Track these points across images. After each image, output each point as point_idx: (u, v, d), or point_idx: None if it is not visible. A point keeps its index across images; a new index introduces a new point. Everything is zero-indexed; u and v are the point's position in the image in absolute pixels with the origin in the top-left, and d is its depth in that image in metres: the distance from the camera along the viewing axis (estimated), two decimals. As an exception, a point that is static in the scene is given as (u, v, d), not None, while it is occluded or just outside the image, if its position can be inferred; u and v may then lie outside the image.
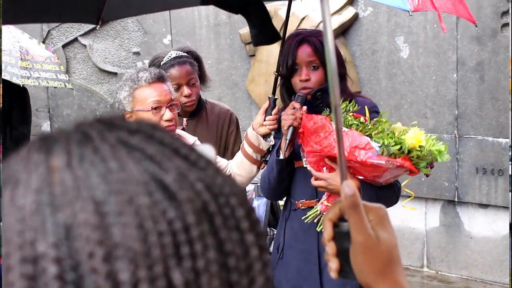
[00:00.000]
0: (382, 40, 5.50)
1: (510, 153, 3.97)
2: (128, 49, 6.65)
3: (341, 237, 0.88)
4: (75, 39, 6.75)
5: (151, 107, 2.56)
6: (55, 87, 5.55)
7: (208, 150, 0.82)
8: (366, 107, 2.52)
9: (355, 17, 5.59)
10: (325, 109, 2.56)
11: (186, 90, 3.15)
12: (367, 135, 2.34)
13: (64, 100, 6.84)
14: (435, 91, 5.30)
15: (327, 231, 0.90)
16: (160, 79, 2.62)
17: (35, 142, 0.54)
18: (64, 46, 6.78)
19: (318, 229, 2.57)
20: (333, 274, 0.90)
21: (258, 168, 2.87)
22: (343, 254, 0.88)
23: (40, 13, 2.15)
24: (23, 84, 4.56)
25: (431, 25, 5.15)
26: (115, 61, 6.70)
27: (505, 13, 4.90)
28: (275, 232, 3.00)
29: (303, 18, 5.52)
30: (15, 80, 4.48)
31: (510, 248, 2.59)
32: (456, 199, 5.34)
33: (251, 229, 0.54)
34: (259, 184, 3.07)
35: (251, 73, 5.95)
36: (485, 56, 5.03)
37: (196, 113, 3.28)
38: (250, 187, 3.67)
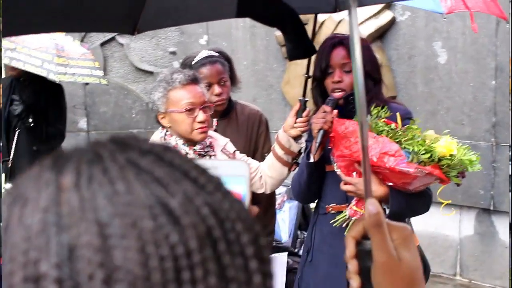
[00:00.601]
0: (420, 45, 5.44)
1: (510, 153, 3.90)
2: (164, 48, 6.70)
3: (364, 256, 0.87)
4: (113, 38, 6.83)
5: (185, 109, 2.58)
6: (86, 84, 5.59)
7: (239, 166, 0.82)
8: (398, 113, 2.50)
9: (393, 21, 5.54)
10: (350, 114, 2.55)
11: (216, 89, 3.16)
12: (397, 142, 2.31)
13: (101, 97, 6.92)
14: (473, 98, 5.22)
15: (350, 248, 0.89)
16: (194, 80, 2.64)
17: (48, 160, 0.54)
18: (102, 45, 6.86)
19: (346, 233, 2.55)
20: None
21: (289, 170, 2.86)
22: (365, 273, 0.86)
23: (72, 23, 2.16)
24: (59, 81, 4.63)
25: (469, 30, 5.07)
26: (152, 60, 6.76)
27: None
28: (305, 235, 3.00)
29: (339, 22, 5.49)
30: (51, 77, 4.53)
31: (510, 248, 2.55)
32: (491, 208, 5.26)
33: (255, 255, 0.53)
34: (290, 186, 3.06)
35: (287, 75, 5.95)
36: (525, 63, 4.94)
37: (226, 114, 3.29)
38: (281, 190, 3.67)
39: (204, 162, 0.83)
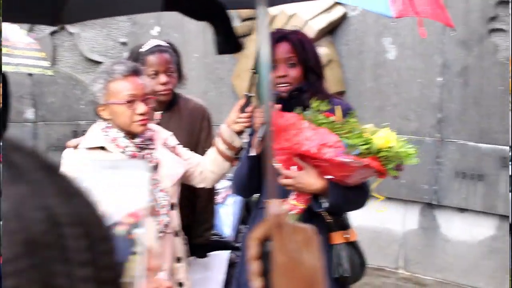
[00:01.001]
0: (370, 41, 5.51)
1: (510, 154, 3.98)
2: (115, 38, 6.62)
3: (266, 257, 0.86)
4: (63, 27, 6.70)
5: (125, 100, 2.54)
6: (30, 74, 5.47)
7: (140, 166, 0.81)
8: (337, 107, 2.52)
9: (344, 17, 5.60)
10: (296, 107, 2.56)
11: (163, 78, 3.13)
12: (336, 134, 2.34)
13: (49, 87, 6.79)
14: (420, 94, 5.31)
15: (252, 250, 0.88)
16: (136, 72, 2.60)
17: None
18: (51, 34, 6.73)
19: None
20: None
21: (231, 165, 2.86)
22: (267, 275, 0.86)
23: None
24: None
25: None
26: (102, 50, 6.68)
27: (492, 18, 4.91)
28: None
29: (291, 16, 5.52)
30: None
31: (510, 248, 2.59)
32: (435, 202, 5.36)
33: (90, 263, 0.50)
34: (233, 180, 3.06)
35: (237, 68, 5.94)
36: (470, 61, 5.05)
37: (170, 107, 3.26)
38: (225, 184, 3.66)
39: (105, 162, 0.82)
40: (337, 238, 2.63)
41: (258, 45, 2.84)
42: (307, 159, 2.41)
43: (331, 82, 5.43)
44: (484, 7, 4.93)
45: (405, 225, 5.63)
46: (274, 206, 0.88)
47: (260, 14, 0.90)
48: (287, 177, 2.49)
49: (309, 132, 2.36)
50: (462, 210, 5.26)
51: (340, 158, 2.29)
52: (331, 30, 5.63)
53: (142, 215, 0.82)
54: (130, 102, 2.55)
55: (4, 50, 4.54)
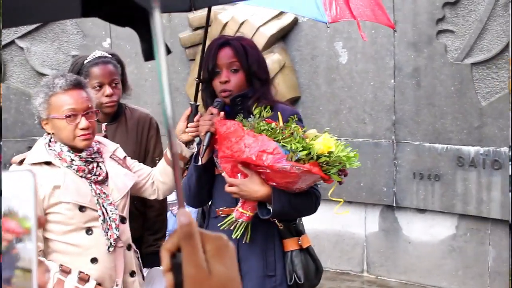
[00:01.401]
0: (322, 46, 5.51)
1: (510, 154, 3.99)
2: (66, 52, 6.51)
3: (177, 269, 0.82)
4: (13, 42, 6.58)
5: (65, 115, 2.49)
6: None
7: (24, 176, 0.77)
8: (279, 113, 2.50)
9: (295, 22, 5.59)
10: (239, 114, 2.53)
11: (108, 90, 3.10)
12: (276, 140, 2.31)
13: (1, 103, 6.65)
14: (373, 97, 5.32)
15: (164, 262, 0.84)
16: (77, 85, 2.55)
17: None
18: (1, 49, 6.59)
19: (233, 236, 2.53)
20: None
21: (182, 176, 2.81)
22: (179, 287, 0.82)
23: None
24: None
25: (369, 30, 5.17)
26: (54, 64, 6.56)
27: (440, 20, 4.95)
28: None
29: (242, 23, 5.49)
30: None
31: (510, 248, 2.59)
32: (394, 204, 5.38)
33: None
34: (184, 191, 3.02)
35: (191, 77, 5.89)
36: (421, 62, 5.08)
37: (115, 118, 3.22)
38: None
39: None
40: (290, 244, 2.62)
41: (203, 51, 2.81)
42: (251, 166, 2.39)
43: (285, 88, 5.42)
44: (432, 8, 4.97)
45: (367, 228, 5.63)
46: (183, 215, 0.82)
47: (154, 18, 0.85)
48: (231, 185, 2.47)
49: (249, 139, 2.34)
50: (421, 210, 5.28)
51: (279, 165, 2.27)
52: (283, 36, 5.62)
53: (24, 230, 0.78)
54: (71, 116, 2.50)
55: None
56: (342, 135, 5.45)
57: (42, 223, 0.80)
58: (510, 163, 4.01)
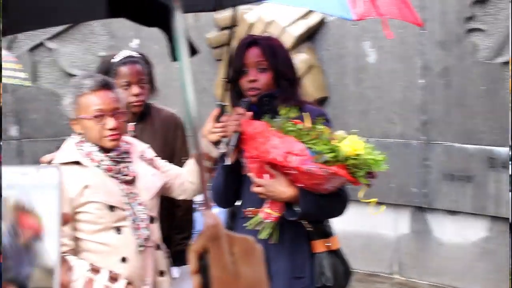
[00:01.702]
0: (349, 45, 5.47)
1: (510, 153, 3.94)
2: (95, 53, 6.56)
3: (204, 270, 0.82)
4: (42, 43, 6.65)
5: (93, 115, 2.50)
6: (12, 84, 5.47)
7: (49, 173, 0.77)
8: (304, 114, 2.48)
9: (322, 22, 5.56)
10: (266, 114, 2.51)
11: (135, 89, 3.10)
12: (302, 142, 2.29)
13: (31, 104, 6.72)
14: (402, 97, 5.27)
15: (191, 263, 0.83)
16: (105, 86, 2.56)
17: None
18: (30, 50, 6.67)
19: (260, 237, 2.52)
20: None
21: (210, 176, 2.81)
22: None
23: None
24: None
25: (397, 30, 5.10)
26: (82, 65, 6.61)
27: (469, 18, 4.88)
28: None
29: (269, 23, 5.48)
30: None
31: (510, 248, 2.55)
32: (425, 206, 5.31)
33: None
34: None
35: (219, 78, 5.88)
36: (451, 62, 5.01)
37: (142, 118, 3.23)
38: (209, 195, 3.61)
39: (13, 169, 0.76)
40: (319, 246, 2.60)
41: (231, 51, 2.80)
42: (277, 167, 2.37)
43: (313, 88, 5.39)
44: (461, 7, 4.90)
45: (397, 229, 5.58)
46: (209, 217, 0.82)
47: (175, 18, 0.83)
48: (258, 185, 2.46)
49: (276, 140, 2.32)
50: (452, 212, 5.21)
51: (305, 166, 2.24)
52: (310, 36, 5.60)
53: (44, 227, 0.76)
54: (98, 117, 2.51)
55: None
56: (371, 136, 5.39)
57: (68, 220, 0.80)
58: (510, 163, 3.96)
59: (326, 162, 2.24)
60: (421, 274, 5.48)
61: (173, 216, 3.29)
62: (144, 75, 3.18)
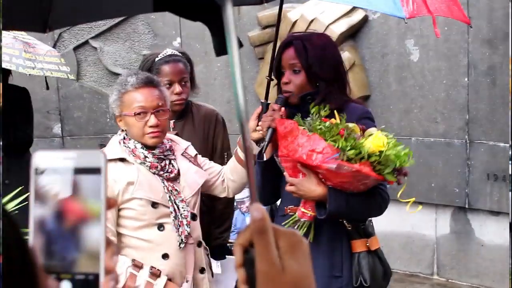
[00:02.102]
0: (392, 43, 5.42)
1: (510, 153, 3.88)
2: (138, 51, 6.64)
3: (250, 264, 0.81)
4: (86, 42, 6.75)
5: (134, 112, 2.54)
6: (47, 87, 5.58)
7: (95, 156, 0.76)
8: (335, 111, 2.46)
9: (365, 20, 5.52)
10: (297, 114, 2.50)
11: (177, 88, 3.13)
12: (325, 139, 2.28)
13: (75, 102, 6.84)
14: (446, 95, 5.20)
15: (237, 257, 0.83)
16: (149, 83, 2.59)
17: None
18: (75, 49, 6.78)
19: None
20: None
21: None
22: (252, 283, 0.80)
23: None
24: (29, 74, 4.60)
25: (442, 28, 5.04)
26: (125, 63, 6.69)
27: (517, 16, 4.79)
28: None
29: (311, 21, 5.45)
30: (21, 70, 4.54)
31: (510, 248, 2.51)
32: (467, 206, 5.23)
33: None
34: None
35: (260, 76, 5.90)
36: (496, 60, 4.92)
37: (182, 115, 3.26)
38: (247, 193, 3.63)
39: (57, 153, 0.76)
40: (358, 246, 2.58)
41: (275, 48, 2.80)
42: (309, 165, 2.37)
43: (354, 86, 5.33)
44: (508, 4, 4.80)
45: (438, 229, 5.51)
46: (256, 210, 0.80)
47: (226, 11, 0.84)
48: (291, 184, 2.46)
49: (303, 138, 2.33)
50: (495, 213, 5.12)
51: (327, 165, 2.24)
52: (353, 34, 5.55)
53: (89, 213, 0.75)
54: (140, 114, 2.54)
55: (27, 56, 4.65)
56: (412, 135, 5.35)
57: (113, 205, 0.78)
58: (510, 162, 3.88)
59: (349, 160, 2.23)
60: (461, 275, 5.41)
61: (212, 210, 3.32)
62: (186, 74, 3.21)
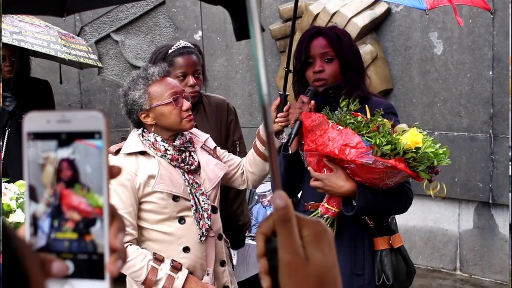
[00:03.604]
0: (415, 36, 5.36)
1: (510, 153, 3.81)
2: (159, 45, 6.64)
3: (272, 254, 0.77)
4: (108, 35, 6.77)
5: (172, 99, 2.52)
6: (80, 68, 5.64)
7: (94, 119, 0.63)
8: (366, 106, 2.42)
9: (388, 12, 5.46)
10: (326, 107, 2.47)
11: (191, 80, 3.12)
12: (360, 134, 2.24)
13: (97, 95, 6.87)
14: (470, 89, 5.13)
15: (259, 246, 0.79)
16: (168, 73, 2.62)
17: None
18: (96, 42, 6.80)
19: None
20: None
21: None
22: (274, 273, 0.77)
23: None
24: (68, 59, 4.66)
25: (466, 20, 4.98)
26: (147, 57, 6.69)
27: (543, 8, 4.70)
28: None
29: (333, 14, 5.41)
30: (60, 55, 4.60)
31: (510, 248, 2.45)
32: (490, 201, 5.16)
33: None
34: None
35: (281, 69, 5.87)
36: (522, 53, 4.84)
37: (194, 106, 3.25)
38: (269, 187, 3.61)
39: (55, 114, 0.67)
40: (380, 243, 2.53)
41: (291, 41, 2.77)
42: (336, 160, 2.33)
43: (377, 79, 5.30)
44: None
45: (461, 225, 5.44)
46: (279, 198, 0.77)
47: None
48: (316, 179, 2.42)
49: (333, 132, 2.28)
50: (519, 208, 5.05)
51: (362, 160, 2.19)
52: (376, 27, 5.50)
53: (96, 209, 0.68)
54: (176, 100, 2.54)
55: (63, 42, 4.69)
56: (435, 129, 5.28)
57: (116, 173, 0.68)
58: (510, 163, 3.80)
59: (384, 155, 2.18)
60: (485, 270, 5.34)
61: (231, 202, 3.32)
62: (199, 66, 3.19)
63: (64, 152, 0.67)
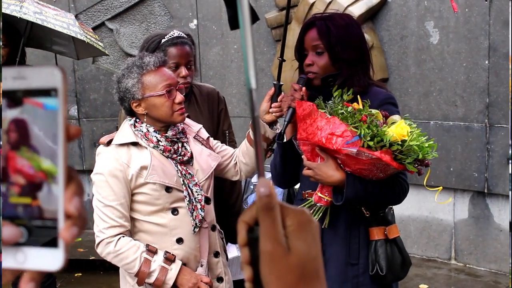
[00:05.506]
0: (411, 25, 5.33)
1: (510, 152, 3.81)
2: (154, 33, 6.60)
3: (254, 243, 0.74)
4: (102, 24, 6.72)
5: (166, 91, 2.49)
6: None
7: (51, 75, 0.58)
8: (358, 97, 2.38)
9: (384, 1, 5.43)
10: (319, 97, 2.44)
11: (184, 71, 3.06)
12: (347, 124, 2.22)
13: (91, 84, 6.83)
14: (466, 78, 5.11)
15: (240, 235, 0.76)
16: (164, 63, 2.57)
17: None
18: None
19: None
20: (247, 285, 0.77)
21: (265, 157, 2.77)
22: (256, 263, 0.74)
23: None
24: (88, 42, 4.65)
25: (462, 9, 4.95)
26: (142, 45, 6.67)
27: (540, -3, 4.68)
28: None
29: (329, 2, 5.38)
30: (79, 37, 4.59)
31: (510, 246, 2.45)
32: (485, 191, 5.16)
33: None
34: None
35: (277, 58, 5.84)
36: (518, 42, 4.83)
37: (186, 97, 3.22)
38: (267, 176, 3.60)
39: (11, 70, 0.63)
40: (376, 233, 2.52)
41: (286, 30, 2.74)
42: (328, 150, 2.32)
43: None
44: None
45: (456, 214, 5.45)
46: (263, 186, 0.73)
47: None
48: (308, 168, 2.41)
49: (322, 121, 2.27)
50: (514, 198, 5.05)
51: (347, 149, 2.18)
52: (372, 16, 5.47)
53: (42, 173, 0.63)
54: (169, 92, 2.50)
55: (78, 25, 4.71)
56: (431, 118, 5.27)
57: (75, 135, 0.60)
58: (510, 162, 3.80)
59: (369, 147, 2.17)
60: (480, 260, 5.35)
61: (228, 195, 3.30)
62: (192, 57, 3.14)
63: (13, 112, 0.63)
